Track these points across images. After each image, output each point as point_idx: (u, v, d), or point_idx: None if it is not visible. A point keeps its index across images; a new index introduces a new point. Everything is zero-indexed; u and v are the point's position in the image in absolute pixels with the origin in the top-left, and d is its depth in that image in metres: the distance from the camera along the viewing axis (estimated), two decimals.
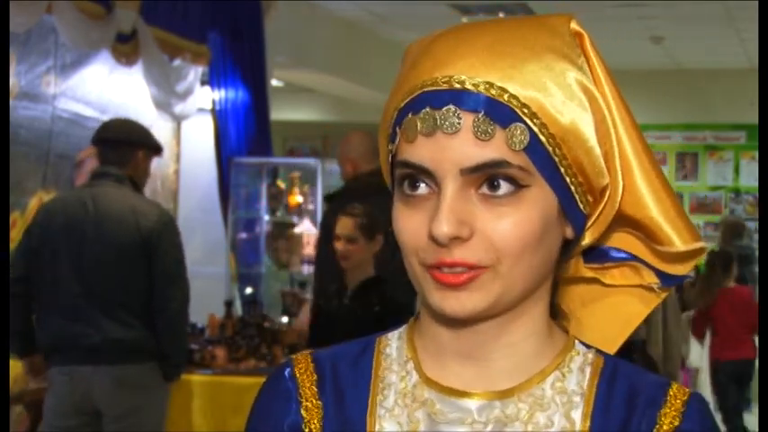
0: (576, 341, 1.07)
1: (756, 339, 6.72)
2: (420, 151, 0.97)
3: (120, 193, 4.12)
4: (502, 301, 0.99)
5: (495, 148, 0.95)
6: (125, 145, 4.21)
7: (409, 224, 0.99)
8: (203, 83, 6.89)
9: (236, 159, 7.22)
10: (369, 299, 4.16)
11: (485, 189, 0.96)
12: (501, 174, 0.96)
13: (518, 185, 0.96)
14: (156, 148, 4.36)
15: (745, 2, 7.35)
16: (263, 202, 7.45)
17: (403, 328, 1.10)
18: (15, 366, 4.31)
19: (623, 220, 1.07)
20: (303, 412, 1.07)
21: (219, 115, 7.13)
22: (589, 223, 1.04)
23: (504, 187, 0.96)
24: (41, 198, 5.46)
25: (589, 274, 1.10)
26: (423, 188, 0.98)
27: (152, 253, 4.05)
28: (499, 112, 0.95)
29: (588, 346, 1.07)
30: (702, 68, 10.85)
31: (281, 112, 10.10)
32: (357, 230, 4.24)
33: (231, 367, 5.39)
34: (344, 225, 4.28)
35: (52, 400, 4.09)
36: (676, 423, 1.02)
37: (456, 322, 1.02)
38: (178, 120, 6.84)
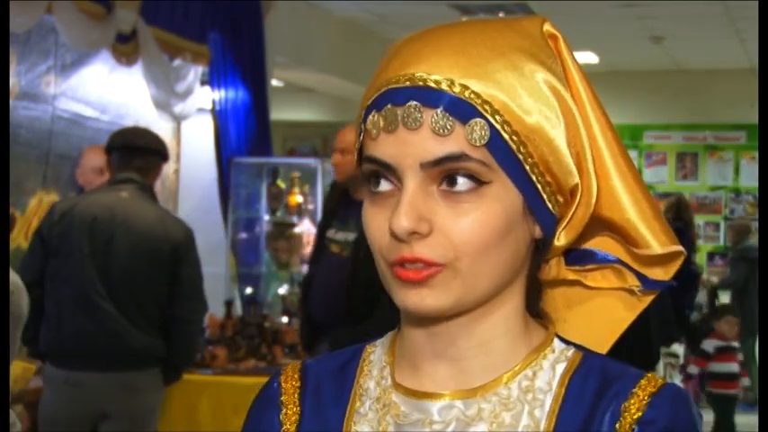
0: (556, 339, 1.06)
1: None
2: (382, 147, 0.98)
3: (146, 201, 4.13)
4: (465, 299, 0.99)
5: (455, 143, 0.96)
6: (154, 154, 4.19)
7: (374, 222, 1.00)
8: (203, 83, 6.89)
9: (236, 159, 7.22)
10: None
11: (445, 186, 0.97)
12: (461, 168, 0.96)
13: (479, 182, 0.97)
14: (167, 158, 4.37)
15: (745, 2, 7.35)
16: (263, 202, 7.45)
17: (389, 334, 1.11)
18: (15, 366, 4.31)
19: (601, 223, 1.07)
20: (282, 418, 1.09)
21: (219, 115, 7.13)
22: (563, 224, 1.04)
23: (465, 183, 0.97)
24: (41, 198, 5.46)
25: (571, 276, 1.10)
26: (385, 185, 0.99)
27: (178, 264, 4.07)
28: (460, 109, 0.96)
29: (568, 343, 1.06)
30: (702, 68, 10.83)
31: (281, 112, 10.09)
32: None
33: (231, 367, 5.39)
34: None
35: (51, 408, 4.03)
36: (639, 415, 0.98)
37: (428, 322, 1.02)
38: (178, 120, 6.84)
